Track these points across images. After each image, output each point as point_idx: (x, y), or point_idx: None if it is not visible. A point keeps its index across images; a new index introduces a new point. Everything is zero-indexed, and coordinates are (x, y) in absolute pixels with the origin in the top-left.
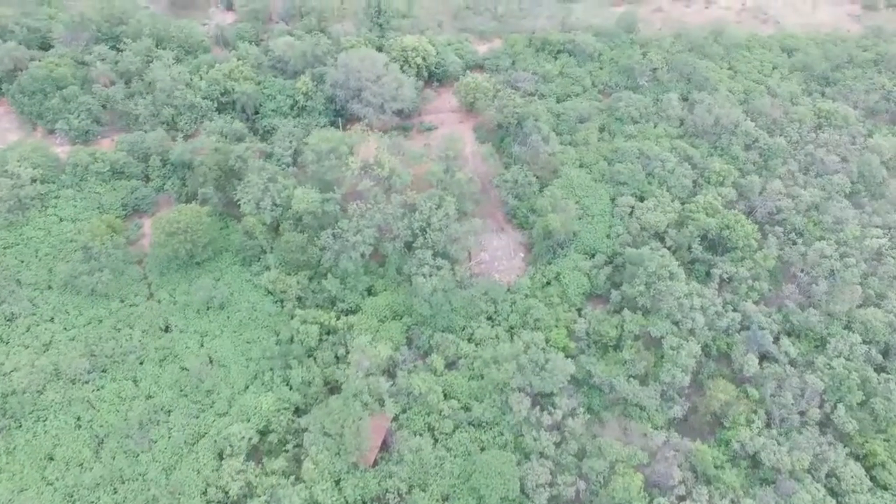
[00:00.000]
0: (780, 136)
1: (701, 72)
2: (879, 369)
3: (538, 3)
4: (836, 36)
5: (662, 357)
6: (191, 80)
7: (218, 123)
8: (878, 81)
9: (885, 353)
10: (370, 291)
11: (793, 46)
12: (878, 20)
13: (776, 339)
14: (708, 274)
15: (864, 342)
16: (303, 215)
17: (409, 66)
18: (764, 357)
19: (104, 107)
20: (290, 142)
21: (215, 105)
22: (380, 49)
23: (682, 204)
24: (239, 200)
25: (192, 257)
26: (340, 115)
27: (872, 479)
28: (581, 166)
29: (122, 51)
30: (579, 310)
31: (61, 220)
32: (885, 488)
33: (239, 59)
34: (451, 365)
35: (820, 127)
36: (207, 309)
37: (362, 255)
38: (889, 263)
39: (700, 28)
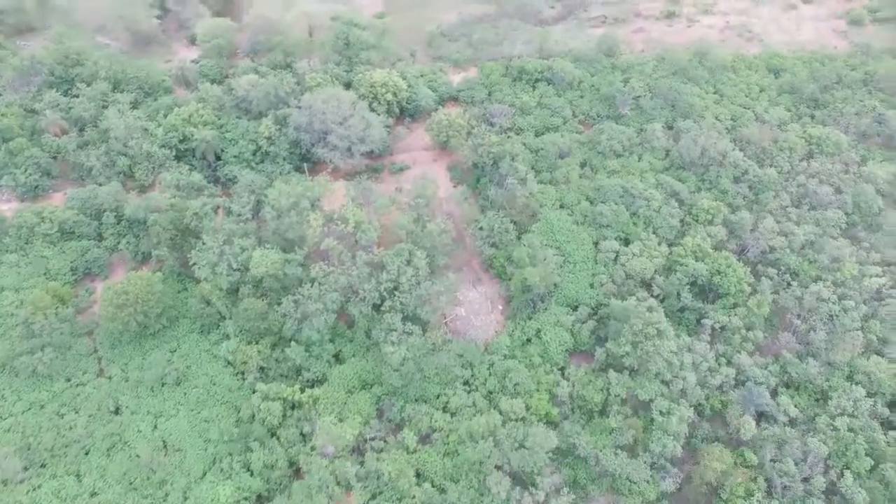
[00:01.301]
0: (771, 166)
1: (686, 98)
2: (887, 425)
3: (514, 27)
4: (822, 54)
5: (652, 422)
6: (148, 126)
7: (174, 176)
8: (868, 103)
9: (892, 405)
10: (338, 357)
11: (779, 66)
12: (864, 36)
13: (774, 394)
14: (699, 322)
15: (869, 395)
16: (263, 278)
17: (379, 102)
18: (762, 415)
19: (55, 158)
20: (250, 196)
21: (174, 153)
22: (348, 85)
23: (670, 246)
24: (193, 265)
25: (146, 328)
26: (306, 160)
27: None
28: (562, 207)
29: (76, 96)
30: (562, 369)
31: (3, 289)
32: None
33: (199, 102)
34: (424, 438)
35: (811, 155)
36: (162, 385)
37: (326, 322)
38: (891, 304)
39: (684, 49)
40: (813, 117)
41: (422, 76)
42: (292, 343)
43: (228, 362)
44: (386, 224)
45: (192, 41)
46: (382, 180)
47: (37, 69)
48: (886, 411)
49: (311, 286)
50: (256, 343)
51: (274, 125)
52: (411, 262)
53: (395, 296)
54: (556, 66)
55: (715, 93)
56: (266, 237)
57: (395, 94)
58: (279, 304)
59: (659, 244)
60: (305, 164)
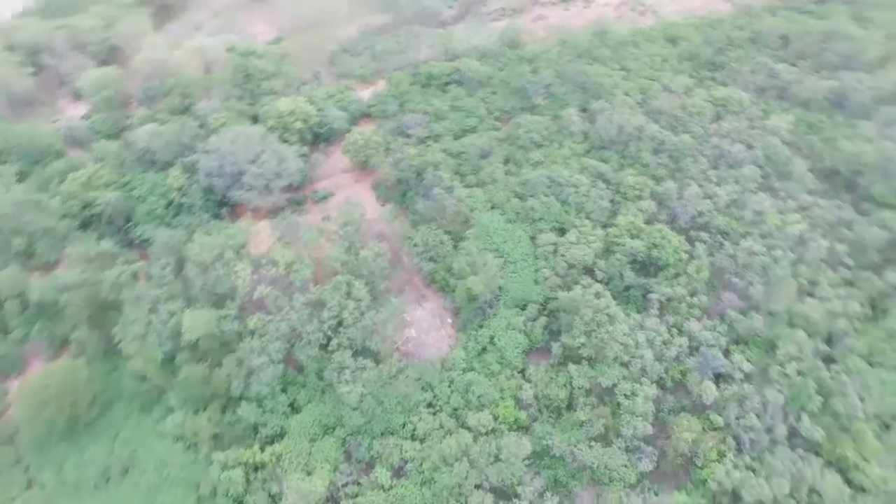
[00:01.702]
0: (685, 132)
1: (594, 79)
2: (828, 360)
3: (416, 33)
4: (711, 18)
5: (619, 406)
6: (40, 199)
7: (80, 248)
8: (760, 60)
9: (829, 341)
10: (293, 407)
11: (675, 35)
12: None
13: (726, 353)
14: (645, 297)
15: (809, 336)
16: (199, 339)
17: (290, 132)
18: (719, 376)
19: None
20: (169, 255)
21: (77, 222)
22: (255, 119)
23: (605, 228)
24: (119, 343)
25: (76, 421)
26: (224, 205)
27: (849, 483)
28: (493, 208)
29: None
30: (522, 371)
31: None
32: (863, 490)
33: (97, 162)
34: (398, 472)
35: (719, 116)
36: (107, 481)
37: (274, 373)
38: (813, 247)
39: (584, 31)
40: (714, 79)
41: (330, 97)
42: (242, 402)
43: (177, 437)
44: (318, 258)
45: (78, 96)
46: (307, 211)
47: None
48: (826, 347)
49: (252, 339)
50: (204, 410)
51: (183, 174)
52: (351, 293)
53: (340, 332)
54: (463, 66)
55: (621, 69)
56: (194, 295)
57: (304, 121)
58: (221, 365)
59: (594, 228)
60: (224, 209)
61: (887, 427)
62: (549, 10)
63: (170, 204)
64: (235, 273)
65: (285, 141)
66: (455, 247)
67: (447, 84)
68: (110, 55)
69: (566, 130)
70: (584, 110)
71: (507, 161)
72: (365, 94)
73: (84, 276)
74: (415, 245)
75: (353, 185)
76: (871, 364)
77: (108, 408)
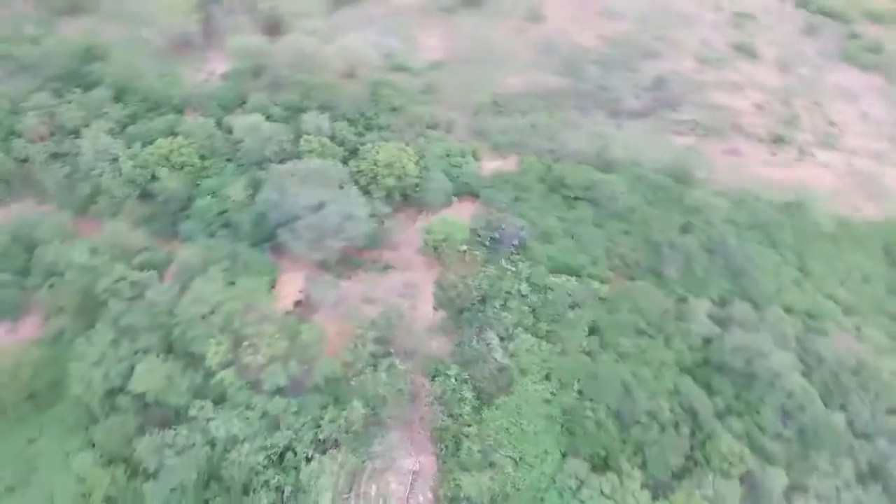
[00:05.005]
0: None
1: (755, 270)
2: None
3: (582, 114)
4: None
5: None
6: (119, 156)
7: (117, 227)
8: None
9: None
10: None
11: None
12: None
13: None
14: None
15: None
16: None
17: (378, 185)
18: None
19: (24, 163)
20: (173, 284)
21: (139, 191)
22: (352, 155)
23: (655, 497)
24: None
25: (5, 410)
26: (270, 239)
27: None
28: (546, 379)
29: (69, 102)
30: None
31: None
32: None
33: (187, 137)
34: None
35: None
36: None
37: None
38: None
39: (776, 193)
40: None
41: (447, 156)
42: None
43: (79, 479)
44: (335, 339)
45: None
46: (357, 277)
47: (48, 61)
48: None
49: (177, 436)
50: (109, 466)
51: (247, 189)
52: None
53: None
54: (606, 185)
55: (799, 269)
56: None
57: (399, 178)
58: (157, 428)
59: (641, 488)
60: (268, 244)
61: None
62: (749, 146)
63: (223, 212)
64: (213, 343)
65: (367, 192)
66: (479, 412)
67: (577, 199)
68: (273, 26)
69: (683, 324)
70: (720, 303)
71: (593, 330)
72: (488, 165)
73: (94, 262)
74: (429, 396)
75: (420, 269)
76: None
77: (48, 406)
